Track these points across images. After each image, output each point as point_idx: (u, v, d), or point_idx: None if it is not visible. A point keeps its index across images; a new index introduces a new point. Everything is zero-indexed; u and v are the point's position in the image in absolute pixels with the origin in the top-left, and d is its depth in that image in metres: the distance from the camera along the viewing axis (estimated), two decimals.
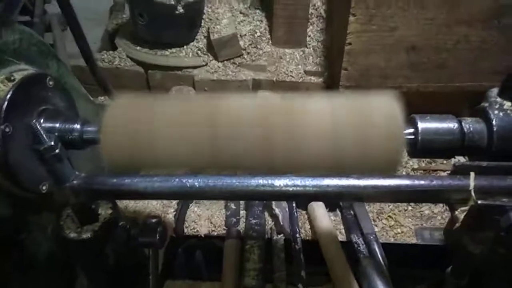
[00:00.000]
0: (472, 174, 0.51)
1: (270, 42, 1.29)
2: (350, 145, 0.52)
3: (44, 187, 0.59)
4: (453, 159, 0.87)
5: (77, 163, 0.63)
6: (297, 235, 0.87)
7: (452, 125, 0.55)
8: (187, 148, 0.53)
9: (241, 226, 0.93)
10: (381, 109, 0.53)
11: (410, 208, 0.98)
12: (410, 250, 0.88)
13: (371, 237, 0.87)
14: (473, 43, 1.00)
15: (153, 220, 0.63)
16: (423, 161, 1.10)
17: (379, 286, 0.73)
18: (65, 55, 1.22)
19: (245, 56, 1.27)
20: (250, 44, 1.27)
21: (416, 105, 1.19)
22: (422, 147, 0.54)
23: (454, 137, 0.54)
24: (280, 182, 0.52)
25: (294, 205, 0.95)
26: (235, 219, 0.94)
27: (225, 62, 1.27)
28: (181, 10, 1.18)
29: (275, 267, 0.82)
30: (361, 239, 0.87)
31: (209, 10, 1.29)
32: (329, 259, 0.80)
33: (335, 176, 0.53)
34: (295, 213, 0.93)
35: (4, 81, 0.56)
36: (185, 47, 1.28)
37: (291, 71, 1.24)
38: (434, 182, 0.51)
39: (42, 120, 0.58)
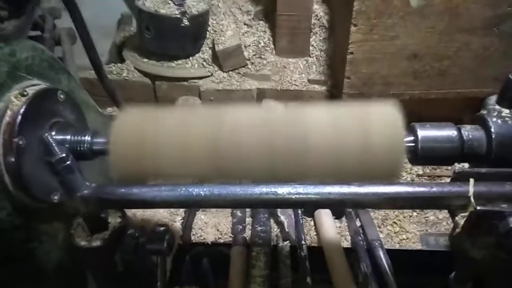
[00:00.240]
0: (471, 180, 0.52)
1: (274, 52, 1.32)
2: (351, 153, 0.53)
3: (55, 197, 0.61)
4: (457, 165, 0.88)
5: (88, 176, 0.65)
6: (303, 242, 0.88)
7: (451, 132, 0.56)
8: (192, 159, 0.55)
9: (247, 233, 0.95)
10: (381, 117, 0.55)
11: (415, 214, 0.98)
12: (415, 256, 0.89)
13: (376, 244, 0.88)
14: (474, 50, 1.01)
15: (161, 228, 0.64)
16: (427, 167, 1.11)
17: None
18: (74, 68, 1.25)
19: (250, 66, 1.29)
20: (254, 55, 1.29)
21: (419, 112, 1.21)
22: (422, 155, 0.55)
23: (453, 144, 0.55)
24: (283, 190, 0.54)
25: (299, 212, 0.96)
26: (241, 227, 0.96)
27: (230, 72, 1.29)
28: (187, 23, 1.21)
29: (281, 273, 0.83)
30: (365, 246, 0.87)
31: (214, 22, 1.32)
32: (332, 269, 0.81)
33: (337, 184, 0.54)
34: (301, 220, 0.94)
35: (18, 96, 0.59)
36: (191, 58, 1.31)
37: (295, 80, 1.26)
38: (434, 189, 0.52)
39: (53, 133, 0.61)
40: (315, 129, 0.54)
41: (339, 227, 0.96)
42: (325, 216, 0.94)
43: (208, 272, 0.93)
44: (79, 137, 0.61)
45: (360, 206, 0.76)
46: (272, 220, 0.96)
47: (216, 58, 1.28)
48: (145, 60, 1.32)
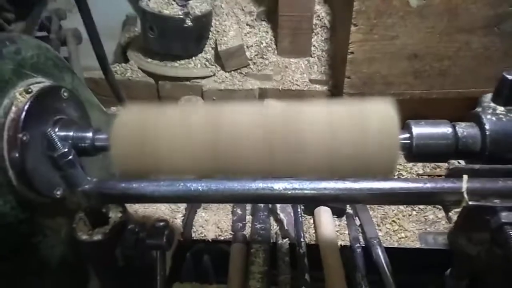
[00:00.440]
0: (465, 176, 0.53)
1: (276, 52, 1.33)
2: (346, 150, 0.54)
3: (58, 192, 0.63)
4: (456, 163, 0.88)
5: (90, 171, 0.67)
6: (302, 240, 0.89)
7: (446, 130, 0.56)
8: (191, 156, 0.56)
9: (247, 230, 0.96)
10: (376, 115, 0.55)
11: (414, 213, 0.99)
12: (413, 254, 0.89)
13: (375, 242, 0.88)
14: (475, 50, 1.01)
15: (161, 224, 0.66)
16: (427, 167, 1.11)
17: None
18: (79, 68, 1.28)
19: (252, 66, 1.30)
20: (256, 55, 1.31)
21: (420, 111, 1.22)
22: (417, 152, 0.56)
23: (448, 141, 0.56)
24: (280, 186, 0.55)
25: (299, 210, 0.97)
26: (241, 224, 0.97)
27: (232, 72, 1.31)
28: (190, 23, 1.22)
29: (280, 270, 0.84)
30: (364, 244, 0.88)
31: (217, 23, 1.33)
32: (326, 266, 0.82)
33: (332, 180, 0.55)
34: (300, 218, 0.95)
35: (23, 93, 0.60)
36: (193, 58, 1.32)
37: (296, 80, 1.27)
38: (428, 185, 0.53)
39: (57, 129, 0.63)
40: (312, 126, 0.55)
41: (339, 225, 0.96)
42: (324, 214, 0.95)
43: (209, 268, 0.95)
44: (81, 134, 0.63)
45: (355, 202, 0.76)
46: (271, 218, 0.97)
47: (219, 58, 1.29)
48: (149, 60, 1.34)
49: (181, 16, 1.22)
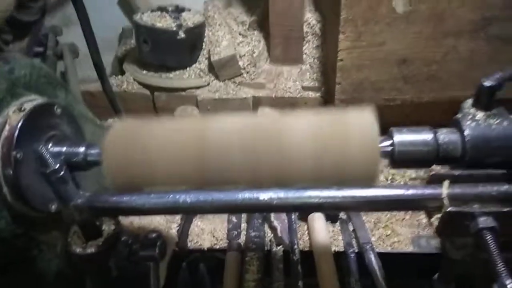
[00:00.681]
0: (445, 182, 0.54)
1: (268, 60, 1.35)
2: (329, 159, 0.55)
3: (53, 206, 0.64)
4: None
5: (84, 184, 0.69)
6: (295, 247, 0.90)
7: (427, 136, 0.57)
8: (180, 168, 0.58)
9: (242, 238, 0.97)
10: (357, 124, 0.57)
11: (407, 217, 0.99)
12: (406, 258, 0.90)
13: (367, 247, 0.89)
14: (462, 54, 1.03)
15: (153, 235, 0.68)
16: (421, 171, 1.12)
17: None
18: (76, 81, 1.30)
19: (245, 75, 1.32)
20: (249, 64, 1.33)
21: (412, 115, 1.23)
22: (399, 158, 0.57)
23: (429, 148, 0.57)
24: (265, 196, 0.56)
25: (293, 217, 0.98)
26: (236, 232, 0.98)
27: (226, 81, 1.33)
28: (183, 35, 1.25)
29: (274, 278, 0.85)
30: (357, 249, 0.89)
31: (210, 33, 1.36)
32: (320, 272, 0.83)
33: (316, 188, 0.56)
34: (294, 225, 0.96)
35: (16, 111, 0.62)
36: (187, 69, 1.35)
37: (289, 87, 1.28)
38: (410, 191, 0.54)
39: (50, 145, 0.64)
40: (295, 136, 0.57)
41: (332, 231, 0.97)
42: (318, 220, 0.96)
43: (205, 277, 0.96)
44: (74, 149, 0.65)
45: (339, 209, 0.78)
46: (266, 225, 0.98)
47: (212, 68, 1.31)
48: (144, 72, 1.37)
49: (174, 29, 1.25)
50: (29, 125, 0.61)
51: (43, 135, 0.65)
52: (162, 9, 1.34)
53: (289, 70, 1.32)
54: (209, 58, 1.32)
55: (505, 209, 0.51)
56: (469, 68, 1.04)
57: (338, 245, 0.94)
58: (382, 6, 0.95)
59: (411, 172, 1.11)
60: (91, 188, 0.68)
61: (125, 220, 0.88)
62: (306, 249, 0.94)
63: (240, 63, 1.31)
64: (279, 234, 0.94)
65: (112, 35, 1.71)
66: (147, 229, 0.98)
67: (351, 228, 0.97)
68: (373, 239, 0.93)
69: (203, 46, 1.37)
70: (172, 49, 1.28)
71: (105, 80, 0.98)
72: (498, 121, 0.56)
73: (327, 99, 1.24)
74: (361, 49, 1.01)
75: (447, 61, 1.03)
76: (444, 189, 0.53)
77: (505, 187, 0.53)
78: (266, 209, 0.58)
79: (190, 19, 1.30)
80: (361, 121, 0.57)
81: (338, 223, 1.00)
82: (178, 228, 0.99)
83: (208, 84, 1.33)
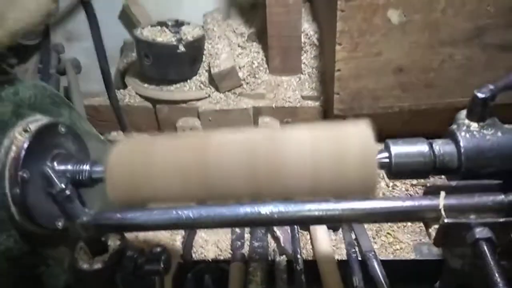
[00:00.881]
0: (442, 193, 0.55)
1: (268, 71, 1.37)
2: (327, 172, 0.57)
3: (59, 223, 0.66)
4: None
5: (89, 198, 0.70)
6: (298, 256, 0.91)
7: (423, 148, 0.59)
8: (182, 185, 0.59)
9: (246, 249, 0.98)
10: (354, 137, 0.58)
11: (409, 224, 1.00)
12: (408, 265, 0.91)
13: (370, 255, 0.90)
14: (458, 61, 1.04)
15: (158, 249, 0.69)
16: None
17: None
18: (79, 96, 1.33)
19: (245, 86, 1.34)
20: (249, 75, 1.35)
21: (410, 122, 1.24)
22: (396, 170, 0.58)
23: (425, 159, 0.58)
24: (266, 210, 0.57)
25: (296, 226, 0.99)
26: (240, 243, 0.99)
27: (227, 92, 1.35)
28: (183, 49, 1.27)
29: (278, 287, 0.86)
30: (360, 257, 0.90)
31: (209, 46, 1.38)
32: (325, 281, 0.84)
33: (316, 201, 0.57)
34: (297, 235, 0.97)
35: (22, 132, 0.64)
36: (188, 81, 1.37)
37: (289, 97, 1.30)
38: (407, 203, 0.55)
39: (55, 163, 0.66)
40: (294, 150, 0.58)
41: (335, 239, 0.98)
42: (320, 229, 0.97)
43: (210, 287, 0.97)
44: (79, 167, 0.67)
45: (338, 221, 0.79)
46: (269, 236, 0.99)
47: (213, 80, 1.33)
48: (146, 85, 1.39)
49: (174, 43, 1.27)
50: (35, 145, 0.63)
51: (49, 154, 0.66)
52: (162, 23, 1.36)
53: (288, 80, 1.34)
54: (209, 70, 1.34)
55: (501, 220, 0.52)
56: (465, 75, 1.05)
57: (341, 254, 0.95)
58: (377, 18, 0.97)
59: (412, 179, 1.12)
60: (97, 201, 0.70)
61: (130, 234, 0.90)
62: (310, 258, 0.95)
63: (240, 74, 1.33)
64: (282, 244, 0.95)
65: (113, 48, 1.73)
66: (152, 242, 0.99)
67: (353, 236, 0.98)
68: (375, 246, 0.94)
69: (203, 59, 1.39)
70: (173, 62, 1.30)
71: (111, 91, 1.00)
72: (492, 131, 0.57)
73: (326, 108, 1.25)
74: (358, 59, 1.03)
75: (443, 69, 1.04)
76: (441, 200, 0.54)
77: (500, 197, 0.54)
78: (267, 223, 0.60)
79: (189, 33, 1.32)
80: (359, 134, 0.58)
81: (340, 232, 1.01)
82: (182, 240, 1.00)
83: (209, 95, 1.35)
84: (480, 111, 0.58)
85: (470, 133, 0.58)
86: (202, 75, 1.37)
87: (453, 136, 0.58)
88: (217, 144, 0.60)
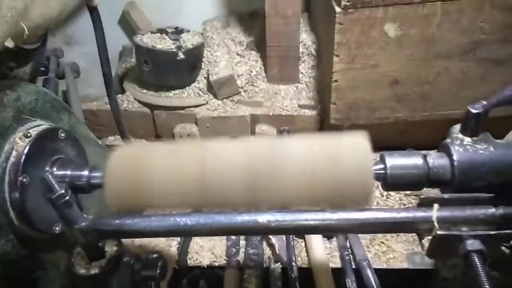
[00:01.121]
0: (435, 205, 0.56)
1: (265, 79, 1.38)
2: (324, 183, 0.58)
3: (57, 228, 0.67)
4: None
5: (88, 202, 0.71)
6: (293, 264, 0.92)
7: (417, 160, 0.60)
8: (181, 192, 0.60)
9: (241, 256, 0.99)
10: (351, 149, 0.59)
11: (402, 234, 1.01)
12: (401, 274, 0.92)
13: (364, 264, 0.91)
14: (453, 74, 1.06)
15: (154, 256, 0.70)
16: None
17: None
18: (78, 101, 1.33)
19: (243, 94, 1.36)
20: (247, 83, 1.36)
21: (406, 132, 1.26)
22: (391, 182, 0.60)
23: (419, 171, 0.59)
24: (263, 218, 0.58)
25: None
26: (235, 250, 1.00)
27: (225, 100, 1.36)
28: (182, 56, 1.28)
29: None
30: (354, 266, 0.91)
31: (208, 54, 1.39)
32: None
33: (312, 211, 0.59)
34: (292, 242, 0.98)
35: (22, 137, 0.65)
36: (187, 88, 1.38)
37: (286, 106, 1.32)
38: (401, 214, 0.57)
39: (55, 169, 0.67)
40: (291, 161, 0.59)
41: (329, 247, 0.99)
42: (315, 237, 0.98)
43: None
44: (78, 172, 0.67)
45: (333, 231, 0.80)
46: (264, 243, 1.00)
47: (211, 87, 1.34)
48: (144, 91, 1.40)
49: (174, 50, 1.28)
50: (35, 150, 0.64)
51: (48, 159, 0.67)
52: (162, 31, 1.38)
53: (286, 89, 1.35)
54: (208, 78, 1.35)
55: (492, 232, 0.53)
56: (460, 88, 1.08)
57: (335, 262, 0.96)
58: (374, 31, 0.99)
59: None
60: (96, 205, 0.71)
61: (127, 240, 0.90)
62: (304, 265, 0.95)
63: (238, 82, 1.34)
64: (277, 252, 0.95)
65: (112, 53, 1.74)
66: (148, 247, 1.00)
67: (347, 245, 0.99)
68: (369, 255, 0.95)
69: (202, 66, 1.40)
70: (172, 69, 1.31)
71: (112, 95, 1.00)
72: (484, 146, 0.59)
73: (323, 117, 1.27)
74: (355, 71, 1.05)
75: (439, 81, 1.07)
76: (434, 212, 0.55)
77: (492, 210, 0.55)
78: (264, 231, 0.60)
79: (189, 40, 1.33)
80: (355, 146, 0.59)
81: (334, 240, 1.02)
82: (178, 245, 1.01)
83: (207, 102, 1.36)
84: (473, 126, 0.60)
85: (463, 147, 0.59)
86: (200, 82, 1.38)
87: (447, 149, 0.60)
88: (215, 153, 0.61)
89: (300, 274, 0.90)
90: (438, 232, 0.53)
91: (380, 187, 0.94)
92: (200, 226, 0.59)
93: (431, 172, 0.59)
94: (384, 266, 0.94)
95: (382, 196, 1.15)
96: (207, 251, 1.01)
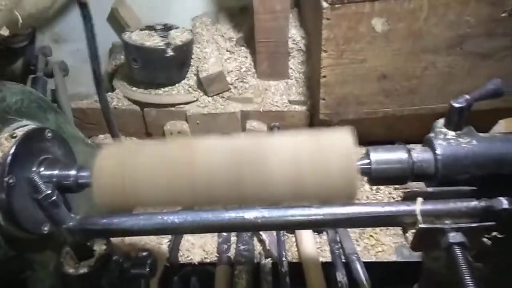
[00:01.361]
0: (419, 199, 0.57)
1: (255, 75, 1.38)
2: (310, 178, 0.58)
3: (45, 228, 0.67)
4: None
5: (76, 202, 0.71)
6: (283, 259, 0.93)
7: (401, 155, 0.61)
8: (168, 190, 0.60)
9: (232, 252, 0.99)
10: (336, 144, 0.60)
11: (391, 227, 1.03)
12: (390, 267, 0.93)
13: (353, 257, 0.92)
14: (440, 69, 1.07)
15: (144, 254, 0.70)
16: None
17: None
18: (66, 100, 1.32)
19: (233, 90, 1.36)
20: (237, 79, 1.36)
21: (395, 126, 1.27)
22: (375, 176, 0.60)
23: (404, 165, 0.60)
24: (250, 215, 0.59)
25: None
26: (226, 246, 1.00)
27: (215, 96, 1.36)
28: (171, 53, 1.28)
29: None
30: (344, 259, 0.92)
31: (198, 50, 1.39)
32: (310, 283, 0.86)
33: (298, 207, 0.59)
34: (282, 237, 0.99)
35: (8, 138, 0.65)
36: (177, 85, 1.37)
37: (276, 102, 1.32)
38: (386, 208, 0.57)
39: (42, 169, 0.67)
40: (278, 158, 0.60)
41: (319, 242, 1.00)
42: (305, 232, 0.99)
43: None
44: (65, 172, 0.67)
45: (320, 226, 0.80)
46: (255, 239, 1.01)
47: (201, 84, 1.34)
48: (134, 88, 1.39)
49: (163, 47, 1.28)
50: (21, 151, 0.64)
51: (35, 159, 0.67)
52: (150, 28, 1.37)
53: (276, 85, 1.36)
54: (197, 74, 1.35)
55: (474, 224, 0.54)
56: (447, 82, 1.09)
57: (325, 256, 0.97)
58: (361, 26, 0.99)
59: None
60: (82, 206, 0.71)
61: (117, 239, 0.90)
62: (295, 260, 0.96)
63: (228, 78, 1.34)
64: (268, 247, 0.96)
65: (101, 50, 1.73)
66: (138, 245, 1.00)
67: (337, 239, 1.00)
68: (358, 249, 0.96)
69: (192, 63, 1.40)
70: (161, 66, 1.31)
71: (102, 93, 1.00)
72: (467, 140, 0.60)
73: (313, 113, 1.27)
74: (343, 66, 1.05)
75: (426, 75, 1.07)
76: (418, 206, 0.56)
77: (474, 203, 0.56)
78: (251, 228, 0.61)
79: (178, 37, 1.33)
80: (340, 141, 0.60)
81: (324, 234, 1.03)
82: (169, 243, 1.01)
83: (197, 99, 1.36)
84: (457, 120, 0.61)
85: (446, 141, 0.60)
86: (190, 79, 1.38)
87: (431, 144, 0.61)
88: (203, 151, 0.61)
89: (290, 269, 0.91)
90: (421, 226, 0.54)
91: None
92: (187, 224, 0.60)
93: (415, 166, 0.60)
94: (373, 259, 0.95)
95: (372, 189, 1.16)
96: (198, 248, 1.02)
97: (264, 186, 0.59)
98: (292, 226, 0.62)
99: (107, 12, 1.65)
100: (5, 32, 0.56)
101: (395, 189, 1.14)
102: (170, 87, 1.37)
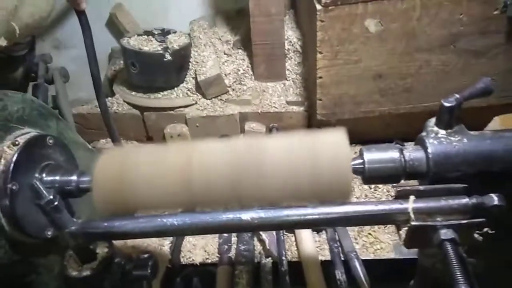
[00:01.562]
0: (411, 197, 0.59)
1: (253, 77, 1.40)
2: (305, 179, 0.60)
3: (49, 232, 0.68)
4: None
5: (78, 206, 0.72)
6: (283, 258, 0.94)
7: (394, 154, 0.62)
8: (167, 194, 0.62)
9: (233, 252, 1.01)
10: (330, 145, 0.61)
11: (389, 225, 1.04)
12: (388, 264, 0.94)
13: (352, 255, 0.94)
14: (435, 67, 1.08)
15: (145, 255, 0.72)
16: None
17: None
18: (67, 105, 1.34)
19: (231, 93, 1.37)
20: (235, 81, 1.38)
21: (392, 124, 1.28)
22: (369, 175, 0.62)
23: (396, 164, 0.61)
24: (247, 216, 0.60)
25: None
26: (227, 246, 1.02)
27: (213, 99, 1.37)
28: (169, 57, 1.29)
29: None
30: (342, 257, 0.94)
31: (196, 54, 1.40)
32: (309, 282, 0.87)
33: (294, 207, 0.61)
34: (282, 237, 1.01)
35: (10, 146, 0.66)
36: (175, 89, 1.39)
37: (274, 103, 1.33)
38: (379, 207, 0.59)
39: (44, 175, 0.68)
40: (273, 160, 0.61)
41: (319, 241, 1.02)
42: (304, 231, 1.00)
43: None
44: (67, 177, 0.69)
45: (316, 226, 0.82)
46: (255, 238, 1.02)
47: (199, 87, 1.36)
48: (133, 93, 1.41)
49: (161, 52, 1.30)
50: (23, 158, 0.65)
51: (37, 166, 0.68)
52: (148, 32, 1.39)
53: (273, 86, 1.37)
54: (196, 78, 1.36)
55: (464, 221, 0.55)
56: (442, 80, 1.10)
57: (325, 255, 0.98)
58: (355, 27, 1.00)
59: None
60: (84, 211, 0.72)
61: (119, 241, 0.92)
62: (295, 259, 0.98)
63: (226, 81, 1.36)
64: (268, 247, 0.98)
65: (100, 55, 1.75)
66: (140, 247, 1.02)
67: (336, 237, 1.01)
68: (357, 247, 0.98)
69: (190, 66, 1.41)
70: (160, 71, 1.32)
71: (101, 98, 1.02)
72: (458, 138, 0.61)
73: (311, 113, 1.29)
74: (339, 67, 1.07)
75: (421, 74, 1.09)
76: (410, 204, 0.57)
77: (465, 200, 0.57)
78: (248, 228, 0.62)
79: (176, 41, 1.34)
80: (334, 142, 0.61)
81: (323, 233, 1.04)
82: (170, 244, 1.03)
83: (196, 102, 1.38)
84: (447, 119, 0.62)
85: (438, 140, 0.61)
86: (189, 83, 1.40)
87: (422, 142, 0.62)
88: (200, 154, 0.63)
89: (290, 268, 0.92)
90: (413, 223, 0.55)
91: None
92: (186, 226, 0.61)
93: (408, 165, 0.61)
94: (372, 257, 0.96)
95: (370, 188, 1.17)
96: (199, 249, 1.03)
97: (261, 187, 0.61)
98: (288, 226, 0.63)
99: (106, 18, 1.67)
100: (3, 42, 0.57)
101: (393, 187, 1.15)
102: (169, 91, 1.39)
